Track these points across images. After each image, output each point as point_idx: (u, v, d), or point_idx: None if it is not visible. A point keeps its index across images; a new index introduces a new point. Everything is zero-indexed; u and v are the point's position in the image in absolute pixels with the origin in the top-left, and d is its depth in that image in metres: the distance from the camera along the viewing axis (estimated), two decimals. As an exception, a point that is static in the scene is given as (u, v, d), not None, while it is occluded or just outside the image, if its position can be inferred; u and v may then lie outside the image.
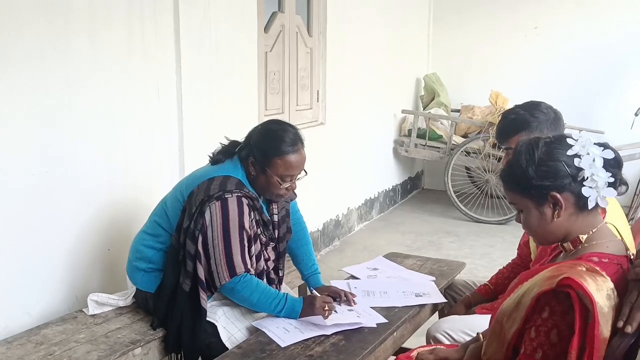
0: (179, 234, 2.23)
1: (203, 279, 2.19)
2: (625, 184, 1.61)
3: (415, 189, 7.08)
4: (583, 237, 1.57)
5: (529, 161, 1.58)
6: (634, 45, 6.19)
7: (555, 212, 1.57)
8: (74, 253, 2.62)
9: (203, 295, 2.20)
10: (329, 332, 2.12)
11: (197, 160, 2.71)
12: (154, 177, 3.05)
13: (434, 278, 2.70)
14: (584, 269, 1.48)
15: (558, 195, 1.55)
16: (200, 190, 2.21)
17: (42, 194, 2.45)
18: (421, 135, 6.18)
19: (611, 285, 1.46)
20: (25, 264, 2.41)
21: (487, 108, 6.15)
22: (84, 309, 2.38)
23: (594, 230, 1.58)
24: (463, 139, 6.09)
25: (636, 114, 5.34)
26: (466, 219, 5.90)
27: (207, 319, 2.21)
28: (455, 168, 6.01)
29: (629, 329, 1.41)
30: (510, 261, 2.62)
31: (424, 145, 6.17)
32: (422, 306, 2.47)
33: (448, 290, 2.73)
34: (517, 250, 2.60)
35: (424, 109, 6.54)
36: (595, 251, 1.55)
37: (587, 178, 1.53)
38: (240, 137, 2.39)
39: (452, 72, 6.89)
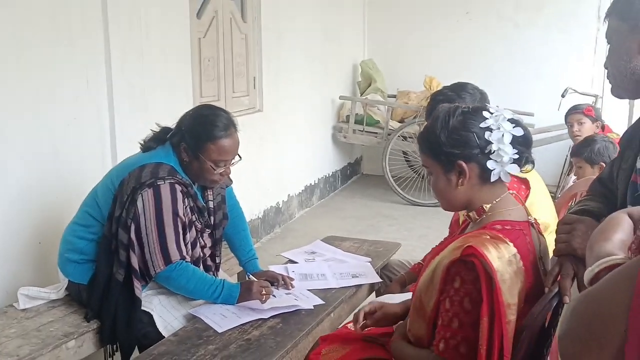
0: (111, 223, 2.19)
1: (137, 267, 2.16)
2: (532, 162, 1.66)
3: (354, 175, 7.15)
4: (487, 207, 1.63)
5: (442, 128, 1.62)
6: (562, 28, 6.40)
7: (460, 180, 1.62)
8: (3, 247, 2.54)
9: (137, 284, 2.17)
10: (266, 315, 2.13)
11: (130, 149, 2.66)
12: (85, 168, 2.98)
13: (369, 259, 2.75)
14: (488, 237, 1.53)
15: (464, 164, 1.59)
16: (132, 178, 2.17)
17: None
18: (359, 121, 6.24)
19: (514, 250, 1.52)
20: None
21: (422, 93, 6.25)
22: (14, 304, 2.31)
23: (497, 200, 1.63)
24: (400, 124, 6.18)
25: (563, 96, 5.53)
26: (404, 202, 6.01)
27: (143, 308, 2.19)
28: (393, 153, 6.10)
29: (567, 299, 1.48)
30: (442, 239, 2.68)
31: (362, 131, 6.23)
32: (358, 287, 2.51)
33: (384, 270, 2.78)
34: (449, 229, 2.67)
35: (361, 94, 6.60)
36: (499, 219, 1.60)
37: (494, 152, 1.58)
38: (173, 124, 2.36)
39: (387, 58, 6.97)
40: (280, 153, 5.12)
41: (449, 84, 2.46)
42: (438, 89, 5.98)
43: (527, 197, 2.26)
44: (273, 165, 4.97)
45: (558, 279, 1.56)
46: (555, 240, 1.62)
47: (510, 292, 1.47)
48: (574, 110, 4.21)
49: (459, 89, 2.35)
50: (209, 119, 2.21)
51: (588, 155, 3.36)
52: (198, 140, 2.19)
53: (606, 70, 1.69)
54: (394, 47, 7.02)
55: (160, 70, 3.49)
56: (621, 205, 1.56)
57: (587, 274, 0.89)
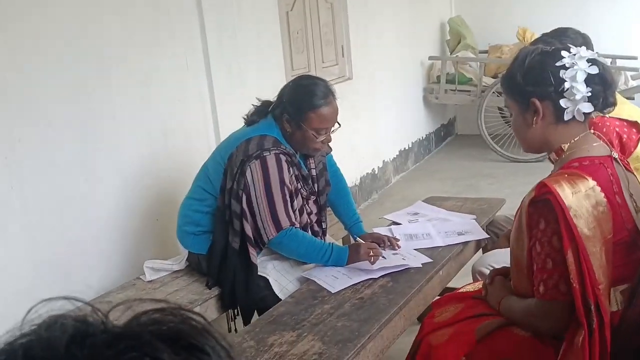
0: (224, 196, 2.31)
1: (251, 235, 2.27)
2: (610, 104, 1.64)
3: (449, 136, 7.04)
4: (565, 146, 1.63)
5: (519, 67, 1.65)
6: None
7: (535, 119, 1.62)
8: (124, 226, 2.73)
9: (252, 251, 2.28)
10: (376, 275, 2.19)
11: (232, 123, 2.77)
12: (192, 145, 3.13)
13: (474, 216, 2.73)
14: (566, 175, 1.55)
15: (538, 102, 1.61)
16: (239, 152, 2.27)
17: (88, 169, 2.56)
18: (450, 80, 6.12)
19: (592, 184, 1.52)
20: (80, 240, 2.52)
21: (516, 46, 6.03)
22: (140, 277, 2.49)
23: (575, 139, 1.63)
24: (494, 80, 6.02)
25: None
26: (503, 160, 5.87)
27: (259, 273, 2.31)
28: (488, 110, 5.95)
29: None
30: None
31: (454, 90, 6.12)
32: (465, 244, 2.52)
33: (490, 227, 2.76)
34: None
35: (451, 53, 6.47)
36: (577, 156, 1.61)
37: (567, 90, 1.57)
38: (271, 97, 2.44)
39: (476, 13, 6.76)
40: (373, 119, 5.13)
41: (545, 32, 2.39)
42: (532, 39, 5.82)
43: (638, 140, 2.19)
44: (366, 132, 4.99)
45: None
46: None
47: (588, 225, 1.48)
48: None
49: (559, 34, 2.30)
50: (309, 89, 2.28)
51: None
52: (299, 110, 2.26)
53: None
54: (482, 1, 6.81)
55: (252, 47, 3.58)
56: None
57: None
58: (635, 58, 5.37)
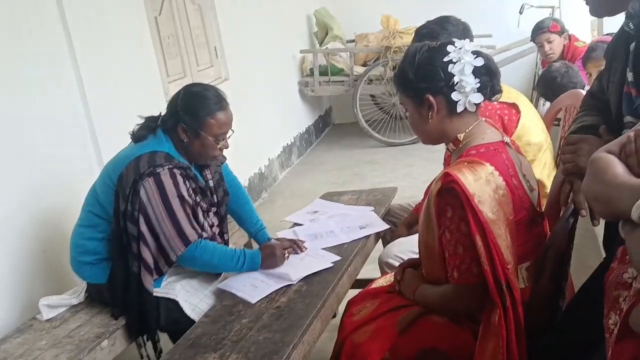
0: (118, 219, 2.19)
1: (149, 260, 2.17)
2: (497, 92, 1.74)
3: (327, 126, 7.16)
4: (460, 136, 1.72)
5: (410, 64, 1.72)
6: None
7: (430, 113, 1.70)
8: (9, 264, 2.52)
9: (147, 277, 2.18)
10: (295, 280, 2.17)
11: (112, 140, 2.64)
12: (72, 166, 2.94)
13: (372, 208, 2.79)
14: (465, 163, 1.63)
15: (431, 98, 1.69)
16: (130, 171, 2.17)
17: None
18: (323, 72, 6.22)
19: (490, 169, 1.62)
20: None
21: (381, 33, 6.24)
22: (37, 316, 2.31)
23: (469, 129, 1.72)
24: (364, 68, 6.18)
25: (520, 12, 5.58)
26: (381, 145, 6.07)
27: (167, 296, 2.22)
28: (361, 98, 6.11)
29: (584, 213, 1.56)
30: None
31: (328, 82, 6.22)
32: (367, 237, 2.56)
33: (387, 216, 2.83)
34: (443, 166, 2.72)
35: (320, 45, 6.56)
36: (473, 144, 1.70)
37: (457, 83, 1.66)
38: (151, 111, 2.34)
39: (339, 3, 6.91)
40: (253, 118, 5.09)
41: (429, 20, 2.49)
42: (395, 26, 6.04)
43: (518, 120, 2.33)
44: (249, 132, 4.93)
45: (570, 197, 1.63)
46: (561, 161, 1.68)
47: (491, 209, 1.56)
48: (539, 31, 4.23)
49: (441, 22, 2.41)
50: (203, 94, 2.23)
51: (548, 94, 3.43)
52: (197, 117, 2.20)
53: None
54: (344, -8, 6.95)
55: (124, 57, 3.42)
56: (616, 117, 1.62)
57: (637, 209, 0.93)
58: (490, 36, 5.71)
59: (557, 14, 5.60)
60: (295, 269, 2.23)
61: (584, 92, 2.41)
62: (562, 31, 4.18)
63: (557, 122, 3.15)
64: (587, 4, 1.71)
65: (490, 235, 1.55)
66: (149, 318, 2.22)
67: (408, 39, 5.62)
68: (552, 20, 4.32)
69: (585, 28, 5.48)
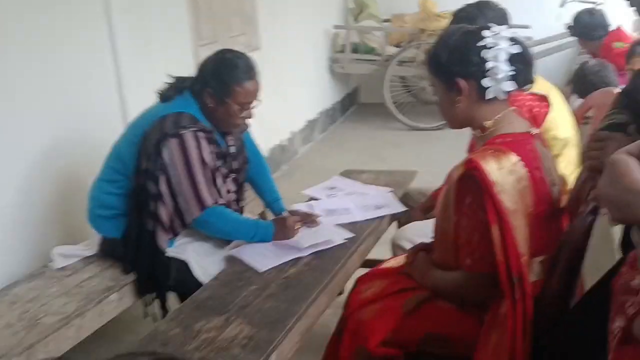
0: (138, 176, 2.20)
1: (165, 219, 2.19)
2: (530, 82, 1.71)
3: (353, 105, 7.11)
4: (488, 123, 1.69)
5: (444, 46, 1.68)
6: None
7: (459, 97, 1.67)
8: (26, 210, 2.55)
9: (163, 236, 2.21)
10: (305, 253, 2.18)
11: (139, 99, 2.64)
12: (97, 122, 2.96)
13: (391, 189, 2.78)
14: (490, 150, 1.60)
15: (462, 82, 1.66)
16: (155, 130, 2.17)
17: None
18: (355, 49, 6.16)
19: (515, 159, 1.59)
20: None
21: (417, 15, 6.14)
22: (49, 264, 2.35)
23: (498, 117, 1.69)
24: (397, 49, 6.11)
25: (561, 5, 5.46)
26: (406, 129, 6.01)
27: (178, 256, 2.24)
28: (390, 79, 6.05)
29: (604, 211, 1.52)
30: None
31: (359, 60, 6.17)
32: (382, 217, 2.55)
33: (404, 199, 2.81)
34: (467, 153, 2.69)
35: (354, 22, 6.49)
36: (500, 133, 1.67)
37: (490, 69, 1.62)
38: (179, 72, 2.34)
39: (378, -19, 6.81)
40: (281, 90, 5.07)
41: (469, 3, 2.44)
42: (433, 8, 5.95)
43: (547, 113, 2.29)
44: (274, 103, 4.91)
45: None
46: (587, 157, 1.65)
47: (512, 199, 1.54)
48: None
49: (481, 5, 2.37)
50: (234, 62, 2.22)
51: (580, 90, 3.37)
52: (224, 84, 2.19)
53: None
54: (384, -30, 6.84)
55: (157, 17, 3.42)
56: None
57: None
58: (528, 27, 5.60)
59: (599, 11, 5.47)
60: (307, 239, 2.23)
61: (616, 91, 2.35)
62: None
63: (586, 120, 3.09)
64: (631, 5, 1.66)
65: (507, 225, 1.53)
66: (159, 276, 2.24)
67: (445, 23, 5.52)
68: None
69: (628, 27, 5.34)
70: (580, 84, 3.40)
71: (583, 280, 1.69)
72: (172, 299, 2.39)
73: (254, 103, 2.29)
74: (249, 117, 2.31)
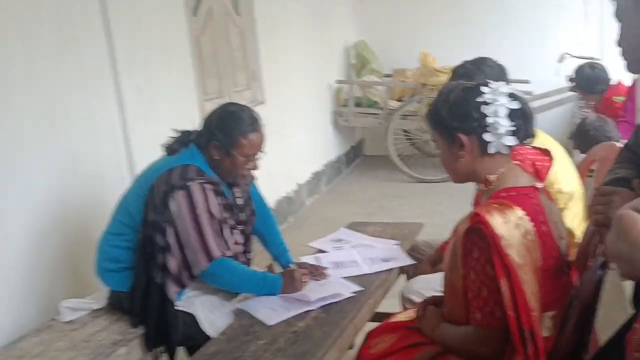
0: (145, 229, 2.22)
1: (174, 270, 2.19)
2: (532, 135, 1.74)
3: (357, 157, 7.18)
4: (491, 177, 1.71)
5: (444, 102, 1.72)
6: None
7: (461, 152, 1.69)
8: (34, 263, 2.56)
9: (172, 287, 2.20)
10: (314, 306, 2.17)
11: (145, 151, 2.69)
12: (104, 174, 3.00)
13: (398, 242, 2.78)
14: (495, 205, 1.61)
15: (463, 137, 1.68)
16: (162, 182, 2.20)
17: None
18: (358, 103, 6.26)
19: (520, 213, 1.60)
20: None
21: (418, 70, 6.26)
22: (56, 317, 2.34)
23: (501, 170, 1.71)
24: (399, 103, 6.21)
25: (560, 61, 5.57)
26: (411, 181, 6.06)
27: (186, 310, 2.23)
28: (394, 132, 6.12)
29: (613, 266, 1.53)
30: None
31: (362, 113, 6.26)
32: (390, 270, 2.55)
33: (411, 251, 2.82)
34: (473, 206, 2.70)
35: (356, 77, 6.62)
36: (504, 187, 1.69)
37: (490, 125, 1.66)
38: (185, 126, 2.39)
39: (379, 37, 6.96)
40: (286, 143, 5.14)
41: (447, 61, 2.51)
42: (433, 64, 6.06)
43: (550, 167, 2.31)
44: (280, 156, 4.98)
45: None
46: (592, 211, 1.66)
47: (519, 253, 1.54)
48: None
49: (478, 63, 2.42)
50: (238, 115, 2.27)
51: (582, 145, 3.42)
52: (230, 137, 2.24)
53: (620, 49, 1.72)
54: (384, 27, 7.02)
55: (163, 72, 3.50)
56: (652, 171, 1.60)
57: None
58: (527, 82, 5.70)
59: (597, 66, 5.58)
60: (315, 292, 2.22)
61: (619, 145, 2.39)
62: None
63: (590, 174, 3.12)
64: (624, 59, 1.70)
65: (516, 280, 1.53)
66: (169, 329, 2.22)
67: (444, 78, 5.62)
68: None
69: (625, 82, 5.43)
70: (582, 139, 3.45)
71: (597, 336, 1.68)
72: (180, 353, 2.37)
73: (259, 155, 2.32)
74: (255, 169, 2.34)
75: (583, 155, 3.43)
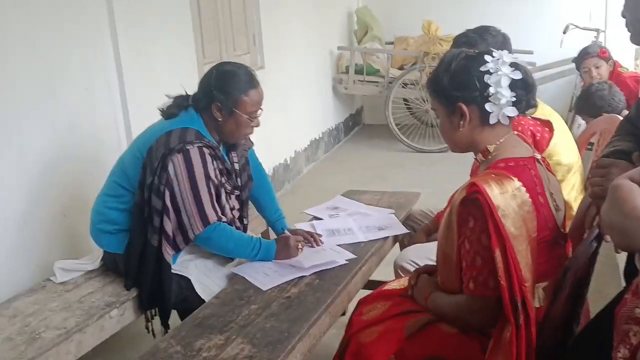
0: (143, 191, 2.21)
1: (170, 233, 2.19)
2: (532, 106, 1.72)
3: (356, 126, 7.14)
4: (490, 147, 1.69)
5: (445, 71, 1.69)
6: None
7: (461, 122, 1.68)
8: (29, 223, 2.56)
9: (168, 250, 2.20)
10: (307, 273, 2.17)
11: (143, 115, 2.66)
12: (101, 137, 2.98)
13: (393, 210, 2.78)
14: (493, 175, 1.60)
15: (464, 107, 1.66)
16: (160, 145, 2.18)
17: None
18: (359, 71, 6.20)
19: (518, 184, 1.59)
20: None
21: (421, 38, 6.19)
22: (51, 278, 2.34)
23: (500, 141, 1.69)
24: (400, 71, 6.15)
25: (564, 32, 5.50)
26: (409, 150, 6.03)
27: (180, 273, 2.23)
28: (394, 101, 6.08)
29: (608, 239, 1.52)
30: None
31: (363, 81, 6.20)
32: (385, 239, 2.55)
33: (407, 221, 2.81)
34: (470, 176, 2.69)
35: (358, 44, 6.54)
36: (503, 157, 1.67)
37: (492, 95, 1.63)
38: (184, 89, 2.36)
39: (383, 4, 6.87)
40: (285, 109, 5.10)
41: (469, 28, 2.46)
42: (437, 32, 5.99)
43: (550, 139, 2.30)
44: (278, 122, 4.94)
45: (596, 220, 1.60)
46: (590, 183, 1.65)
47: (514, 224, 1.54)
48: (587, 55, 4.14)
49: (481, 31, 2.38)
50: (235, 72, 2.25)
51: (588, 111, 3.38)
52: (231, 96, 2.22)
53: (625, 19, 1.70)
54: (388, -8, 6.91)
55: (162, 34, 3.45)
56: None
57: None
58: (531, 52, 5.64)
59: (602, 38, 5.51)
60: (309, 259, 2.23)
61: (620, 118, 2.36)
62: (609, 57, 4.11)
63: (589, 147, 3.10)
64: (628, 30, 1.68)
65: (511, 250, 1.53)
66: (164, 291, 2.23)
67: (447, 46, 5.56)
68: (599, 46, 4.24)
69: (630, 55, 5.37)
70: (586, 101, 3.41)
71: (589, 308, 1.68)
72: (173, 316, 2.38)
73: (259, 112, 2.30)
74: (258, 126, 2.33)
75: (584, 126, 3.41)
